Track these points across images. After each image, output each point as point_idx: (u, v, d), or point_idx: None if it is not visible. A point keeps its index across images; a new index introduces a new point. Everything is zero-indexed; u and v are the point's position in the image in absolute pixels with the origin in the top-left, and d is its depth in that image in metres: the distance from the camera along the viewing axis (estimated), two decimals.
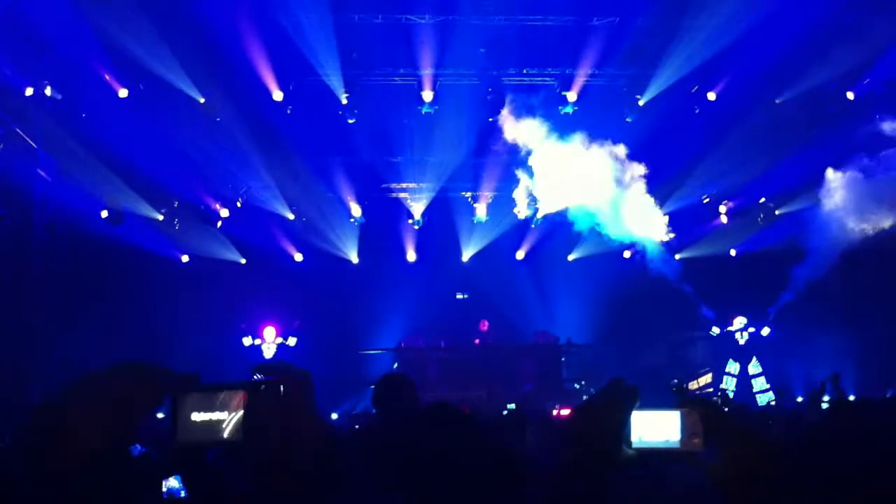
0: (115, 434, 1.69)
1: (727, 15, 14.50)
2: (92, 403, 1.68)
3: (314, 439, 1.79)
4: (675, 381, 10.25)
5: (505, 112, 16.38)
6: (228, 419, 1.87)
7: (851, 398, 12.07)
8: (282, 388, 1.81)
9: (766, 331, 18.54)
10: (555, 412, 12.17)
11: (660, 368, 17.77)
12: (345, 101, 16.67)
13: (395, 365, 18.22)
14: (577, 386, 18.42)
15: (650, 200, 17.10)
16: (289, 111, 16.50)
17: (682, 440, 2.10)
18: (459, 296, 20.83)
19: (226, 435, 1.87)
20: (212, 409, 1.89)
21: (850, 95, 16.45)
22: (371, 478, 2.41)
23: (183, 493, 4.27)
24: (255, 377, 1.91)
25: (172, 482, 4.37)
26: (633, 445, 2.07)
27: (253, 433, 1.81)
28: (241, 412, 1.85)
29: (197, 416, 1.88)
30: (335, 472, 1.84)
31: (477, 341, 19.19)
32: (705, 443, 1.92)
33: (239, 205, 19.26)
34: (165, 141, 16.29)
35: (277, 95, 16.08)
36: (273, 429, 1.76)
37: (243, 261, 19.87)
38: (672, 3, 14.70)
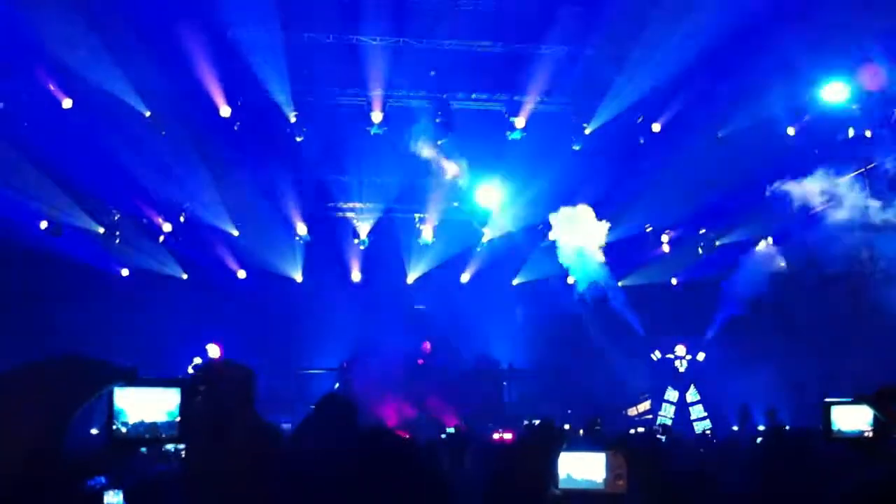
0: (48, 424, 1.66)
1: (672, 49, 14.79)
2: (23, 393, 1.65)
3: (252, 436, 1.77)
4: (597, 427, 10.36)
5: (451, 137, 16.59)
6: (165, 415, 1.84)
7: (787, 427, 12.32)
8: (220, 386, 1.80)
9: (701, 356, 18.81)
10: (496, 436, 12.19)
11: (601, 394, 17.89)
12: (293, 119, 16.62)
13: (337, 385, 18.07)
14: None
15: (594, 227, 17.36)
16: (236, 127, 16.37)
17: (606, 481, 2.15)
18: (418, 307, 20.73)
19: (162, 431, 1.84)
20: (149, 405, 1.86)
21: (791, 131, 16.84)
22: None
23: None
24: (195, 374, 1.89)
25: (113, 497, 4.28)
26: (560, 486, 2.11)
27: (189, 430, 1.78)
28: (178, 408, 1.82)
29: (133, 411, 1.85)
30: (274, 468, 1.83)
31: (420, 362, 19.13)
32: (629, 484, 1.96)
33: (182, 220, 19.00)
34: (109, 153, 16.01)
35: (225, 111, 15.96)
36: (210, 425, 1.74)
37: (185, 276, 19.59)
38: (620, 34, 14.94)
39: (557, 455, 2.00)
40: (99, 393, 1.76)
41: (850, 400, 2.70)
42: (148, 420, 1.84)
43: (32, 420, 1.63)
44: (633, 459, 2.00)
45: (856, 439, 2.76)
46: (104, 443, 1.86)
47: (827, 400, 2.76)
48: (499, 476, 1.86)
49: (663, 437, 10.11)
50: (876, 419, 2.58)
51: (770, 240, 17.79)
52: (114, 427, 1.83)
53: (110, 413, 1.85)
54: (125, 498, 4.06)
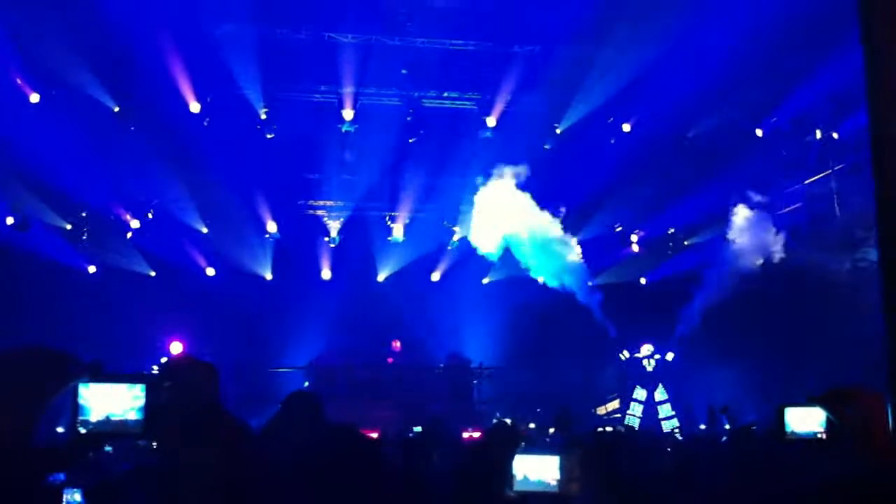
0: (16, 415, 1.64)
1: (643, 49, 14.89)
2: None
3: (219, 430, 1.78)
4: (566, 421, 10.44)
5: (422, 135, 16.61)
6: (130, 411, 1.84)
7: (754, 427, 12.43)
8: (184, 382, 1.81)
9: (670, 356, 18.94)
10: (465, 435, 12.21)
11: (570, 393, 17.96)
12: (264, 116, 16.53)
13: (307, 383, 18.01)
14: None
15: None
16: (206, 123, 16.24)
17: (560, 483, 2.19)
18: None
19: (127, 427, 1.83)
20: (114, 400, 1.85)
21: (759, 132, 17.03)
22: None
23: None
24: (159, 371, 1.90)
25: (76, 496, 4.23)
26: (515, 488, 2.14)
27: (154, 425, 1.78)
28: (142, 404, 1.82)
29: (98, 406, 1.84)
30: (241, 462, 1.83)
31: (390, 360, 19.13)
32: (582, 486, 1.99)
33: (150, 216, 18.82)
34: (76, 149, 15.81)
35: (195, 107, 15.84)
36: (176, 421, 1.74)
37: (153, 273, 19.41)
38: (591, 34, 15.00)
39: (513, 457, 2.02)
40: (65, 387, 1.75)
41: (802, 402, 2.76)
42: (113, 416, 1.83)
43: (3, 408, 1.62)
44: (588, 461, 2.03)
45: (809, 440, 2.81)
46: (68, 438, 1.85)
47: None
48: (458, 476, 1.88)
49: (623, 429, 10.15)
50: (828, 420, 2.62)
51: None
52: (78, 422, 1.83)
53: (74, 408, 1.85)
54: (84, 497, 4.03)
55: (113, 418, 1.85)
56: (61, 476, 4.20)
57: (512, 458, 1.97)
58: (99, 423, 1.85)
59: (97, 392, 1.85)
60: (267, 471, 2.59)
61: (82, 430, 1.85)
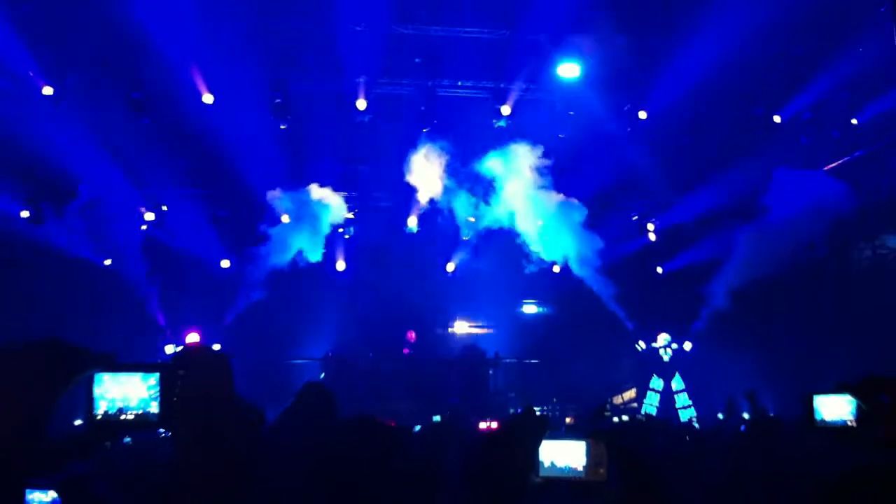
0: (32, 407, 1.65)
1: (659, 36, 14.80)
2: (6, 375, 1.65)
3: (235, 419, 1.77)
4: (607, 412, 10.36)
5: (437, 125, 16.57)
6: (145, 400, 1.84)
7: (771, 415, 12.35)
8: (199, 370, 1.80)
9: (688, 345, 18.88)
10: (482, 425, 12.17)
11: (586, 384, 17.93)
12: (277, 106, 16.50)
13: (322, 375, 18.04)
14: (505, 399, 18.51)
15: (581, 215, 17.40)
16: (220, 114, 16.24)
17: (586, 469, 2.14)
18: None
19: (142, 415, 1.84)
20: (127, 391, 1.86)
21: (778, 119, 16.89)
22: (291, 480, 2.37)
23: None
24: (173, 359, 1.89)
25: (42, 496, 4.20)
26: (541, 473, 2.10)
27: (170, 414, 1.79)
28: (157, 393, 1.83)
29: (113, 396, 1.85)
30: (255, 452, 1.81)
31: (406, 351, 19.13)
32: (609, 472, 1.94)
33: (165, 208, 18.86)
34: (91, 141, 15.89)
35: (208, 98, 15.83)
36: (191, 410, 1.74)
37: (167, 264, 19.45)
38: (606, 22, 14.91)
39: (539, 443, 1.98)
40: (79, 378, 1.76)
41: (832, 389, 2.71)
42: (128, 406, 1.85)
43: (16, 402, 1.63)
44: (614, 448, 1.99)
45: (839, 429, 2.77)
46: (84, 428, 1.87)
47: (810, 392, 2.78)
48: (481, 464, 1.84)
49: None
50: (859, 408, 2.56)
51: None
52: (93, 413, 1.85)
53: (89, 399, 1.86)
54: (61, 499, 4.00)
55: (128, 408, 1.86)
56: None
57: (539, 443, 1.94)
58: (114, 413, 1.86)
59: (111, 382, 1.86)
60: (279, 462, 2.55)
61: (98, 420, 1.87)
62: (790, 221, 16.28)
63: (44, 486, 3.60)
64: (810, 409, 2.75)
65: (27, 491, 3.83)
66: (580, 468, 2.00)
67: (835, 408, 2.73)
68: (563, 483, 2.06)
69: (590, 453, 2.02)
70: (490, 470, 1.88)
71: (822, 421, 2.74)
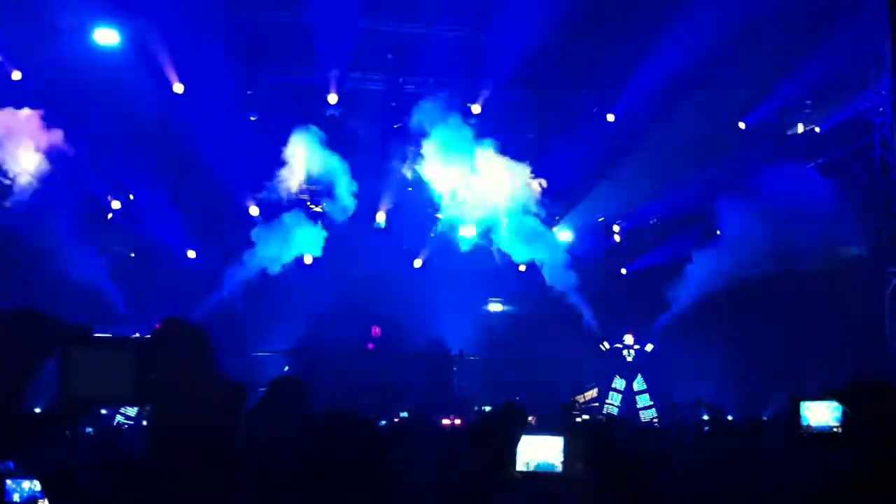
0: (5, 382, 1.62)
1: (626, 40, 14.94)
2: None
3: (211, 394, 1.74)
4: (575, 411, 10.46)
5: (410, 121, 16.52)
6: (120, 375, 1.78)
7: (729, 417, 12.54)
8: (177, 343, 1.76)
9: (649, 347, 19.04)
10: (445, 422, 12.23)
11: (549, 382, 18.02)
12: (247, 98, 16.42)
13: (286, 368, 17.94)
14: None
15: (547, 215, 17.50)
16: (189, 105, 16.12)
17: (564, 464, 2.19)
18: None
19: (117, 390, 1.79)
20: (103, 364, 1.82)
21: (742, 125, 17.12)
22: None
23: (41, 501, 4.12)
24: (151, 333, 1.85)
25: (30, 485, 4.19)
26: (518, 468, 2.14)
27: (146, 389, 1.74)
28: (132, 368, 1.77)
29: (87, 370, 1.82)
30: (234, 425, 1.80)
31: (370, 346, 19.10)
32: (586, 467, 1.99)
33: (131, 198, 18.65)
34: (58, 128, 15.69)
35: (178, 88, 15.71)
36: (166, 384, 1.70)
37: (133, 255, 19.26)
38: (577, 26, 15.00)
39: (518, 438, 2.02)
40: (53, 350, 1.73)
41: (819, 396, 2.74)
42: (102, 380, 1.79)
43: None
44: (589, 443, 2.04)
45: (825, 434, 2.80)
46: (57, 403, 1.82)
47: (796, 395, 2.81)
48: (458, 459, 1.87)
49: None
50: (844, 414, 2.59)
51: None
52: (66, 387, 1.79)
53: (62, 372, 1.80)
54: (43, 486, 3.99)
55: (102, 382, 1.81)
56: (10, 465, 4.15)
57: (518, 438, 1.97)
58: (88, 387, 1.81)
59: (85, 355, 1.81)
60: (251, 456, 2.57)
61: (72, 394, 1.81)
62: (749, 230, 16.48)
63: (31, 476, 3.61)
64: (796, 414, 2.81)
65: (15, 480, 3.83)
66: (557, 463, 2.05)
67: (821, 414, 2.78)
68: (541, 477, 2.11)
69: (567, 448, 2.06)
70: (467, 464, 1.92)
71: (808, 427, 2.79)
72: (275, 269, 18.27)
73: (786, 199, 15.89)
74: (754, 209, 16.32)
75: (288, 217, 18.12)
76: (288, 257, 18.41)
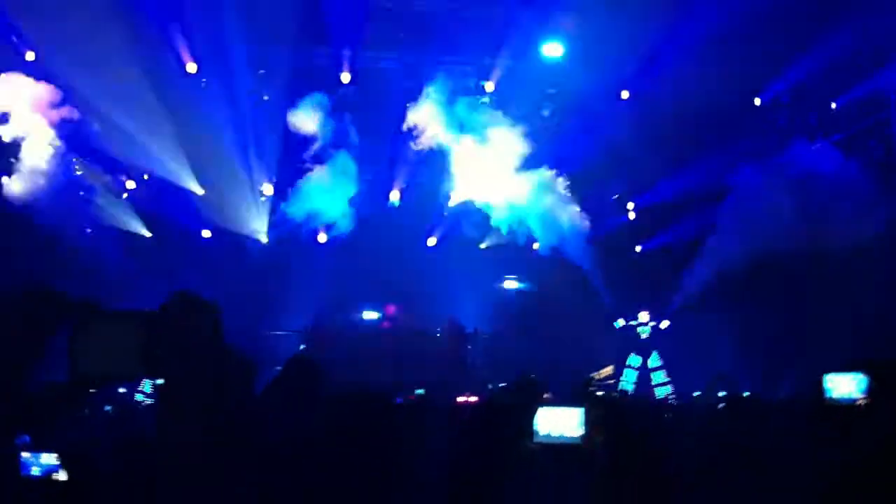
0: (16, 357, 1.62)
1: (643, 16, 14.80)
2: None
3: (220, 369, 1.73)
4: (591, 387, 10.49)
5: (424, 100, 16.45)
6: (128, 349, 1.76)
7: (746, 394, 12.50)
8: (187, 317, 1.74)
9: (664, 324, 19.01)
10: (459, 399, 12.25)
11: (564, 360, 18.03)
12: (260, 77, 16.39)
13: (302, 347, 18.02)
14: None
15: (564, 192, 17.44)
16: (203, 84, 16.12)
17: (583, 435, 2.18)
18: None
19: (125, 365, 1.76)
20: (111, 339, 1.79)
21: (758, 101, 16.97)
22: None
23: (60, 473, 4.16)
24: (160, 307, 1.82)
25: (49, 458, 4.22)
26: (536, 439, 2.13)
27: (155, 364, 1.72)
28: (141, 342, 1.74)
29: (95, 346, 1.80)
30: (245, 401, 1.79)
31: (385, 325, 19.15)
32: (605, 438, 1.98)
33: (146, 177, 18.70)
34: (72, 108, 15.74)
35: (191, 67, 15.70)
36: (175, 359, 1.68)
37: (149, 234, 19.33)
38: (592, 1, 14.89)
39: (535, 409, 2.01)
40: (60, 326, 1.71)
41: (841, 368, 2.72)
42: (111, 355, 1.76)
43: (4, 345, 1.60)
44: (607, 414, 2.03)
45: (849, 406, 2.78)
46: (65, 379, 1.80)
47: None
48: (475, 431, 1.87)
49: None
50: (869, 386, 2.57)
51: None
52: (74, 363, 1.76)
53: (70, 349, 1.78)
54: (62, 462, 4.02)
55: (110, 357, 1.78)
56: (26, 438, 4.18)
57: (535, 411, 1.96)
58: (96, 362, 1.79)
59: (93, 331, 1.78)
60: (267, 435, 2.57)
61: (81, 370, 1.78)
62: (770, 205, 16.35)
63: (49, 449, 3.64)
64: (820, 386, 2.79)
65: (34, 454, 3.87)
66: (576, 435, 2.03)
67: (845, 386, 2.76)
68: (558, 449, 2.10)
69: (587, 419, 2.05)
70: (486, 436, 1.92)
71: (832, 399, 2.77)
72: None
73: (807, 175, 15.78)
74: (774, 184, 16.22)
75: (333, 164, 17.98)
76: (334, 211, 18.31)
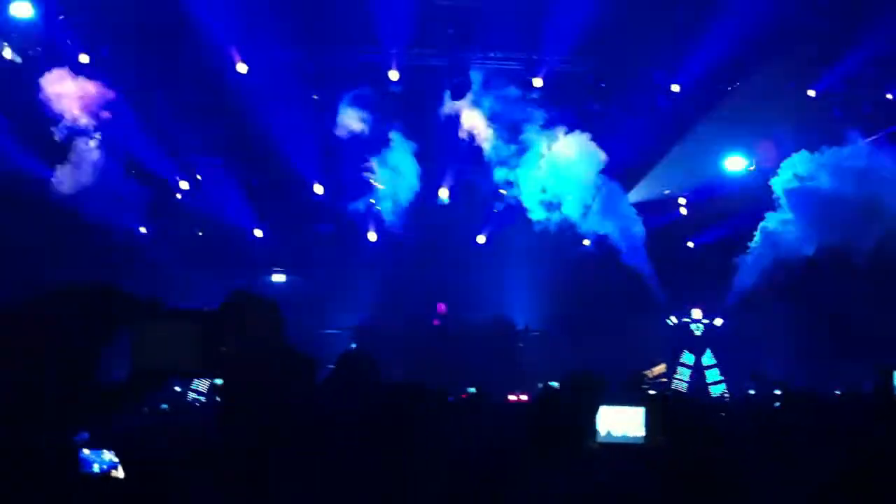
0: (79, 355, 1.64)
1: (692, 7, 14.63)
2: (62, 314, 1.64)
3: (281, 366, 1.74)
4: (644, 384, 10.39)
5: (471, 96, 16.46)
6: (187, 346, 1.79)
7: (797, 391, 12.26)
8: (248, 316, 1.76)
9: (718, 321, 18.76)
10: (511, 397, 12.21)
11: (616, 358, 17.88)
12: (310, 77, 16.48)
13: (353, 345, 18.11)
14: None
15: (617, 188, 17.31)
16: (254, 85, 16.25)
17: (646, 435, 2.13)
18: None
19: (184, 362, 1.80)
20: (171, 336, 1.83)
21: (812, 93, 16.67)
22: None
23: (117, 469, 4.20)
24: (221, 306, 1.85)
25: (109, 455, 4.27)
26: (599, 439, 2.09)
27: (212, 360, 1.74)
28: (199, 339, 1.77)
29: (156, 343, 1.83)
30: (305, 395, 1.79)
31: (436, 323, 19.17)
32: (668, 438, 1.92)
33: (199, 178, 18.95)
34: (126, 110, 16.00)
35: (242, 68, 15.85)
36: (235, 356, 1.70)
37: (200, 234, 19.59)
38: None
39: (597, 406, 1.97)
40: (127, 323, 1.74)
41: None
42: (173, 352, 1.80)
43: (66, 345, 1.63)
44: (666, 413, 1.98)
45: None
46: (129, 376, 1.84)
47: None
48: (532, 429, 1.83)
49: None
50: None
51: None
52: (138, 360, 1.80)
53: (134, 346, 1.83)
54: (116, 453, 4.07)
55: (170, 354, 1.82)
56: (85, 435, 4.24)
57: (597, 408, 1.92)
58: (156, 359, 1.82)
59: (154, 329, 1.82)
60: (325, 425, 2.56)
61: (142, 367, 1.83)
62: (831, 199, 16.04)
63: (107, 446, 3.69)
64: (889, 382, 2.72)
65: (94, 451, 3.92)
66: (638, 434, 1.98)
67: None
68: (622, 449, 2.05)
69: (649, 419, 1.99)
70: (547, 436, 1.88)
71: None
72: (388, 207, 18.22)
73: (867, 168, 15.47)
74: (834, 177, 15.93)
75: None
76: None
